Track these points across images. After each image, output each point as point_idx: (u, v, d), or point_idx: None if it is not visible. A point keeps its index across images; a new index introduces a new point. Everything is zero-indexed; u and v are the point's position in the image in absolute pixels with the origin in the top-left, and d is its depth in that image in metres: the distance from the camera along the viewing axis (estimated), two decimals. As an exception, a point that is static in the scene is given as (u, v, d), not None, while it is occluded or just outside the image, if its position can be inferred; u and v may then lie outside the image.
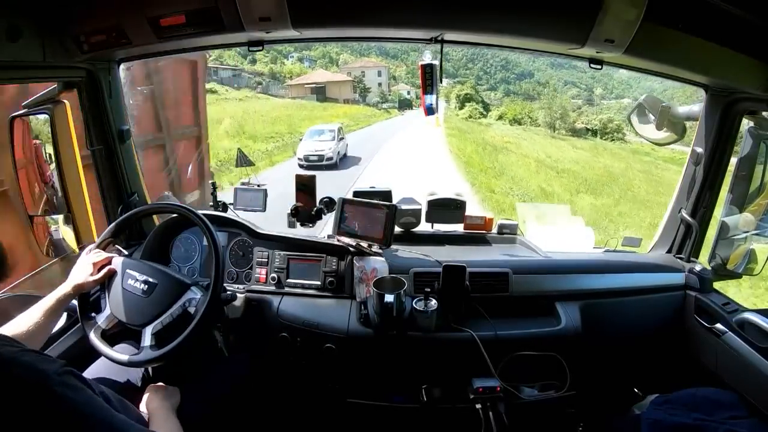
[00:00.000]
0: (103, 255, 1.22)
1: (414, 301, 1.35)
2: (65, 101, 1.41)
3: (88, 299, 1.22)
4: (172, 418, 1.01)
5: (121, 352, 1.16)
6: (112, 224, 1.30)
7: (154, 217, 1.67)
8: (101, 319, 1.21)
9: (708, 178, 1.53)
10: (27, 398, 0.60)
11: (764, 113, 1.40)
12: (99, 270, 1.20)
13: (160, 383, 1.13)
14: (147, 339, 1.15)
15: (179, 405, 1.10)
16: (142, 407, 1.04)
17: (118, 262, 1.23)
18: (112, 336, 1.21)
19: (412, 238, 1.70)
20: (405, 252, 1.57)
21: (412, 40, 1.44)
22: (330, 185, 1.79)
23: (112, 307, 1.20)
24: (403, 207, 1.67)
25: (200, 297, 1.20)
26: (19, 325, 1.00)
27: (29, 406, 0.60)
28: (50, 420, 0.62)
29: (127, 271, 1.21)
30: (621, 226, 9.85)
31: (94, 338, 1.17)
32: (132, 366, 1.16)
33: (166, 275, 1.23)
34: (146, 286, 1.19)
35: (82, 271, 1.17)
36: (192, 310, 1.18)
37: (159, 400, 1.05)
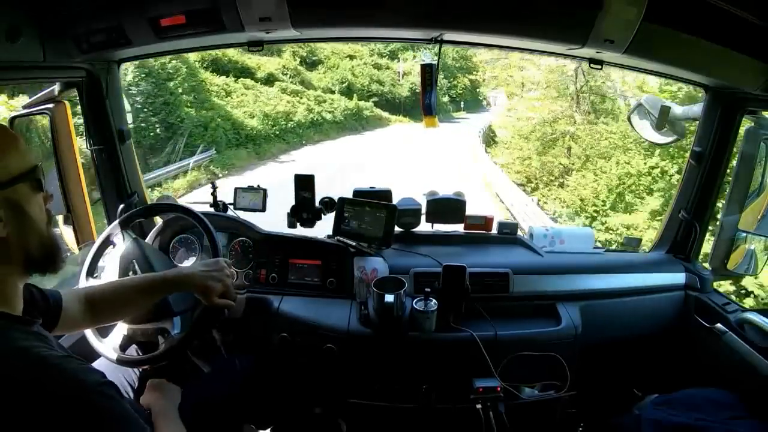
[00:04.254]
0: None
1: (414, 301, 1.35)
2: (65, 101, 1.41)
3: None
4: (176, 419, 1.00)
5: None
6: (112, 224, 1.30)
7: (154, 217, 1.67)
8: None
9: (708, 178, 1.53)
10: (65, 407, 0.59)
11: (764, 113, 1.40)
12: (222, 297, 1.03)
13: (162, 380, 1.12)
14: None
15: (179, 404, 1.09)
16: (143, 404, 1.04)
17: (116, 254, 1.22)
18: (110, 336, 1.21)
19: (412, 238, 1.70)
20: (405, 252, 1.57)
21: (412, 40, 1.44)
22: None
23: None
24: (403, 207, 1.66)
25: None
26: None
27: (67, 416, 0.59)
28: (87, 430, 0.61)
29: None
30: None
31: (93, 338, 1.17)
32: (133, 366, 1.16)
33: None
34: None
35: (216, 280, 1.00)
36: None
37: (162, 399, 1.05)
